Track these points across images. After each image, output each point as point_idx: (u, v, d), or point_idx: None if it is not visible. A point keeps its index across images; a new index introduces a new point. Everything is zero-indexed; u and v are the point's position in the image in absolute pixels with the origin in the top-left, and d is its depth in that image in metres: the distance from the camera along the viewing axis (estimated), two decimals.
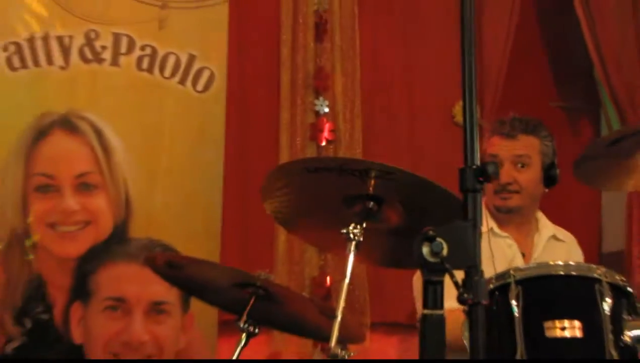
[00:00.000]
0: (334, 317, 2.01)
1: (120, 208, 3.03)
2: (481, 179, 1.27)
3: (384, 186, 2.10)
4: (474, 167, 1.30)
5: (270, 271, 3.66)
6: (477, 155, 1.34)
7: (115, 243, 2.92)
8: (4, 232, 2.95)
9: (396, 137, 4.03)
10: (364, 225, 2.07)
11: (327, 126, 3.87)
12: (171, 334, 2.80)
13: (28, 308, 2.89)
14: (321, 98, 3.88)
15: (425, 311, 1.18)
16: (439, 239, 1.20)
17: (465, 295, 1.18)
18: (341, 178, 2.09)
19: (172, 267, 2.32)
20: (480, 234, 1.25)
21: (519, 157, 3.24)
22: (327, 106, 3.88)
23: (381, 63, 4.06)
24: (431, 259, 1.19)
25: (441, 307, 1.19)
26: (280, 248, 3.72)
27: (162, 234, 3.09)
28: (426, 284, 1.19)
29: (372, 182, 2.08)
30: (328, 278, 3.74)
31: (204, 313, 3.00)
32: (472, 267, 1.19)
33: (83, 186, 2.98)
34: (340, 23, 3.95)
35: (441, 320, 1.18)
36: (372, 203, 2.11)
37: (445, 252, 1.19)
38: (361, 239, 2.06)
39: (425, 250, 1.19)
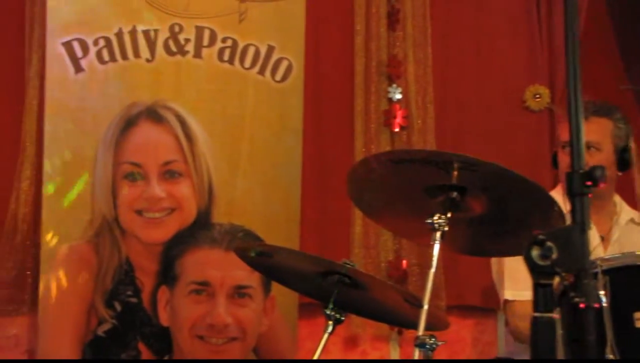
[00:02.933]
0: (420, 305, 1.97)
1: (203, 195, 3.03)
2: (588, 183, 1.21)
3: (466, 176, 2.05)
4: (581, 171, 1.24)
5: (348, 255, 3.65)
6: (583, 159, 1.27)
7: (199, 229, 2.93)
8: (96, 218, 2.98)
9: (468, 123, 3.97)
10: (448, 215, 2.03)
11: (400, 113, 3.82)
12: (254, 317, 2.81)
13: (118, 291, 2.92)
14: (394, 85, 3.84)
15: (536, 314, 1.14)
16: (549, 243, 1.15)
17: (577, 299, 1.14)
18: (425, 169, 2.05)
19: (260, 256, 2.31)
20: (588, 237, 1.20)
21: (588, 142, 3.13)
22: (400, 93, 3.83)
23: (452, 50, 4.00)
24: (541, 262, 1.14)
25: (552, 309, 1.14)
26: (356, 232, 3.69)
27: (243, 220, 3.09)
28: (536, 287, 1.15)
29: (455, 173, 2.04)
30: (404, 262, 3.71)
31: (284, 296, 2.99)
32: (582, 270, 1.14)
33: (168, 174, 2.99)
34: (412, 12, 3.89)
35: (552, 322, 1.14)
36: (455, 193, 2.07)
37: (555, 255, 1.14)
38: (446, 229, 2.02)
39: (534, 253, 1.14)
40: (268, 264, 2.38)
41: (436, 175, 2.05)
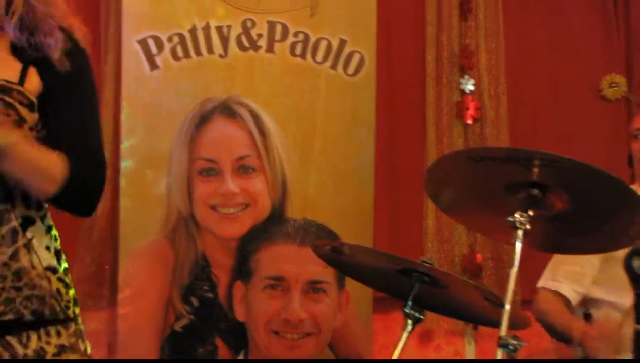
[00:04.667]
0: (502, 304, 1.94)
1: (277, 190, 3.03)
2: None
3: (548, 173, 2.01)
4: None
5: (421, 249, 3.63)
6: None
7: (273, 224, 2.93)
8: (171, 214, 3.00)
9: (542, 113, 3.91)
10: (530, 212, 2.00)
11: (472, 104, 3.78)
12: (328, 312, 2.80)
13: (194, 287, 2.94)
14: (466, 76, 3.80)
15: (637, 326, 1.10)
16: None
17: None
18: (505, 166, 2.02)
19: (337, 253, 2.30)
20: None
21: None
22: (473, 84, 3.79)
23: (525, 39, 3.94)
24: None
25: None
26: (430, 225, 3.66)
27: (317, 214, 3.09)
28: (637, 298, 1.11)
29: (536, 170, 2.00)
30: (478, 256, 3.67)
31: (358, 291, 2.98)
32: None
33: (242, 169, 3.00)
34: (484, 1, 3.84)
35: None
36: (536, 190, 2.03)
37: None
38: (527, 227, 1.98)
39: (636, 264, 1.10)
40: (344, 261, 2.36)
41: (516, 172, 2.01)
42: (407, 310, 2.16)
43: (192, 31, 3.21)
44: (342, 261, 2.36)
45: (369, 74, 3.34)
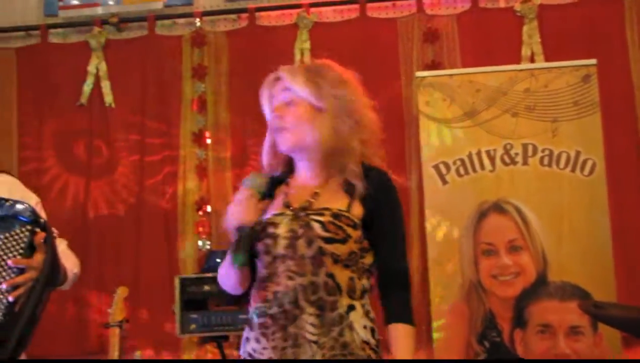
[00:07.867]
0: None
1: (539, 262, 2.97)
2: None
3: None
4: None
5: None
6: None
7: (539, 286, 2.86)
8: (465, 282, 3.02)
9: None
10: None
11: None
12: (586, 348, 2.66)
13: (486, 333, 2.92)
14: None
15: None
16: None
17: None
18: None
19: (596, 308, 2.19)
20: None
21: None
22: None
23: None
24: None
25: None
26: None
27: (570, 277, 2.97)
28: None
29: None
30: None
31: (609, 332, 2.78)
32: None
33: (512, 248, 2.98)
34: None
35: None
36: None
37: None
38: None
39: None
40: (598, 312, 2.24)
41: None
42: None
43: (469, 156, 3.22)
44: (598, 313, 2.24)
45: (600, 173, 3.16)
